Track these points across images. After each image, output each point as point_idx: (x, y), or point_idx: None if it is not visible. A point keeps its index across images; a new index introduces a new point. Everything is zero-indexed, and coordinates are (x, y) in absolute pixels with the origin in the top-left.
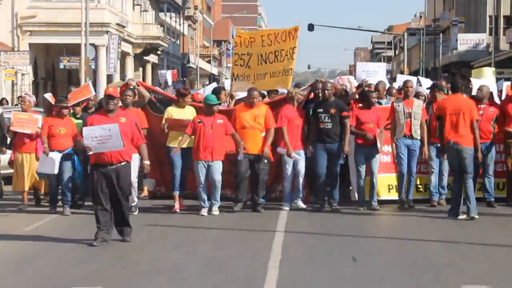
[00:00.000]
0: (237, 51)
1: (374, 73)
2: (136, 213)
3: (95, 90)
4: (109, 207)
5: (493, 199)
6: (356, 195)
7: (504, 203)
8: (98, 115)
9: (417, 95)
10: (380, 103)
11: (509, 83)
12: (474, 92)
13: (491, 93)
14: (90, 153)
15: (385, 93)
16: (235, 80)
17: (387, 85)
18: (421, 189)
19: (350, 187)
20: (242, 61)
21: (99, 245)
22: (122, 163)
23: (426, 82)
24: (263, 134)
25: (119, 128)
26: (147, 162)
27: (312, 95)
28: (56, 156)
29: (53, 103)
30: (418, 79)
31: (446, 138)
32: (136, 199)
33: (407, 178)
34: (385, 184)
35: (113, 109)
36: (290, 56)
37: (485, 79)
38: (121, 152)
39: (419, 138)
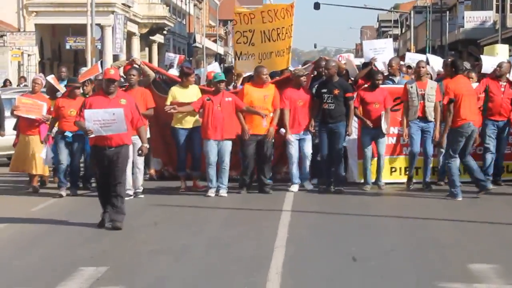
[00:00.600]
0: (238, 28)
1: (382, 49)
2: (142, 196)
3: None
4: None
5: (500, 178)
6: (354, 176)
7: None
8: (98, 96)
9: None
10: (393, 81)
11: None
12: (486, 70)
13: None
14: (92, 135)
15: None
16: (239, 59)
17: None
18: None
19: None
20: (245, 38)
21: (103, 226)
22: (122, 146)
23: (436, 60)
24: (271, 114)
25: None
26: (146, 145)
27: (315, 73)
28: (49, 154)
29: (55, 85)
30: (427, 57)
31: (465, 119)
32: (142, 182)
33: (424, 160)
34: (388, 167)
35: (113, 91)
36: (290, 34)
37: (498, 56)
38: (122, 135)
39: (433, 120)
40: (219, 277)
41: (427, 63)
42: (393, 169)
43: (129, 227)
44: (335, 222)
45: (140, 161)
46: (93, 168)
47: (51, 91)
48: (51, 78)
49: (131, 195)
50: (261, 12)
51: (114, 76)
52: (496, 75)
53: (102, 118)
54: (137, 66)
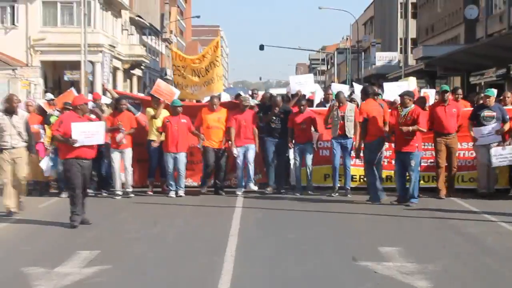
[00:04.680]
0: (173, 63)
1: (305, 83)
2: (132, 195)
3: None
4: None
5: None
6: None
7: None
8: (70, 114)
9: (351, 101)
10: (325, 106)
11: (426, 90)
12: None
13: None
14: (76, 145)
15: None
16: (176, 88)
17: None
18: (356, 179)
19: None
20: (179, 71)
21: (78, 226)
22: (91, 160)
23: (359, 87)
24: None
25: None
26: None
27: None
28: (48, 165)
29: (45, 108)
30: (352, 84)
31: (375, 135)
32: (131, 183)
33: (344, 169)
34: (322, 174)
35: (87, 112)
36: (218, 64)
37: (410, 85)
38: (92, 151)
39: (351, 136)
40: (186, 258)
41: (353, 91)
42: (327, 176)
43: (116, 220)
44: (276, 216)
45: (129, 165)
46: (71, 176)
47: (41, 112)
48: (42, 103)
49: (119, 195)
50: (191, 58)
51: (85, 101)
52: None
53: (87, 130)
54: (124, 97)
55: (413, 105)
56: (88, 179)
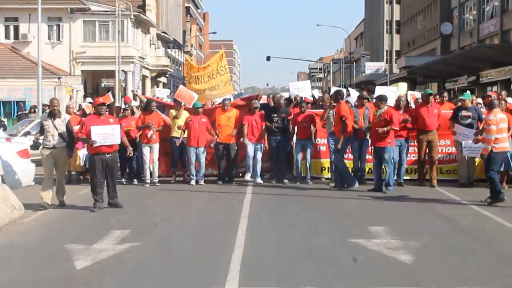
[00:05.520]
0: (185, 71)
1: (303, 88)
2: (158, 184)
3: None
4: (104, 182)
5: (402, 181)
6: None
7: (415, 183)
8: (92, 117)
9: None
10: (322, 108)
11: (413, 92)
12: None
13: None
14: (95, 145)
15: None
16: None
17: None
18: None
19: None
20: (186, 80)
21: (98, 211)
22: (115, 152)
23: (354, 92)
24: (235, 131)
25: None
26: (130, 148)
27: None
28: (81, 153)
29: (86, 109)
30: (348, 89)
31: (350, 132)
32: (157, 174)
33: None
34: (319, 166)
35: (103, 113)
36: (225, 71)
37: (400, 90)
38: (114, 145)
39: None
40: (205, 236)
41: (348, 94)
42: (323, 168)
43: (144, 204)
44: (281, 201)
45: (155, 158)
46: (93, 168)
47: (84, 114)
48: (84, 105)
49: (148, 183)
50: (198, 67)
51: (104, 101)
52: (399, 106)
53: (104, 132)
54: (155, 100)
55: (386, 107)
56: (114, 169)
